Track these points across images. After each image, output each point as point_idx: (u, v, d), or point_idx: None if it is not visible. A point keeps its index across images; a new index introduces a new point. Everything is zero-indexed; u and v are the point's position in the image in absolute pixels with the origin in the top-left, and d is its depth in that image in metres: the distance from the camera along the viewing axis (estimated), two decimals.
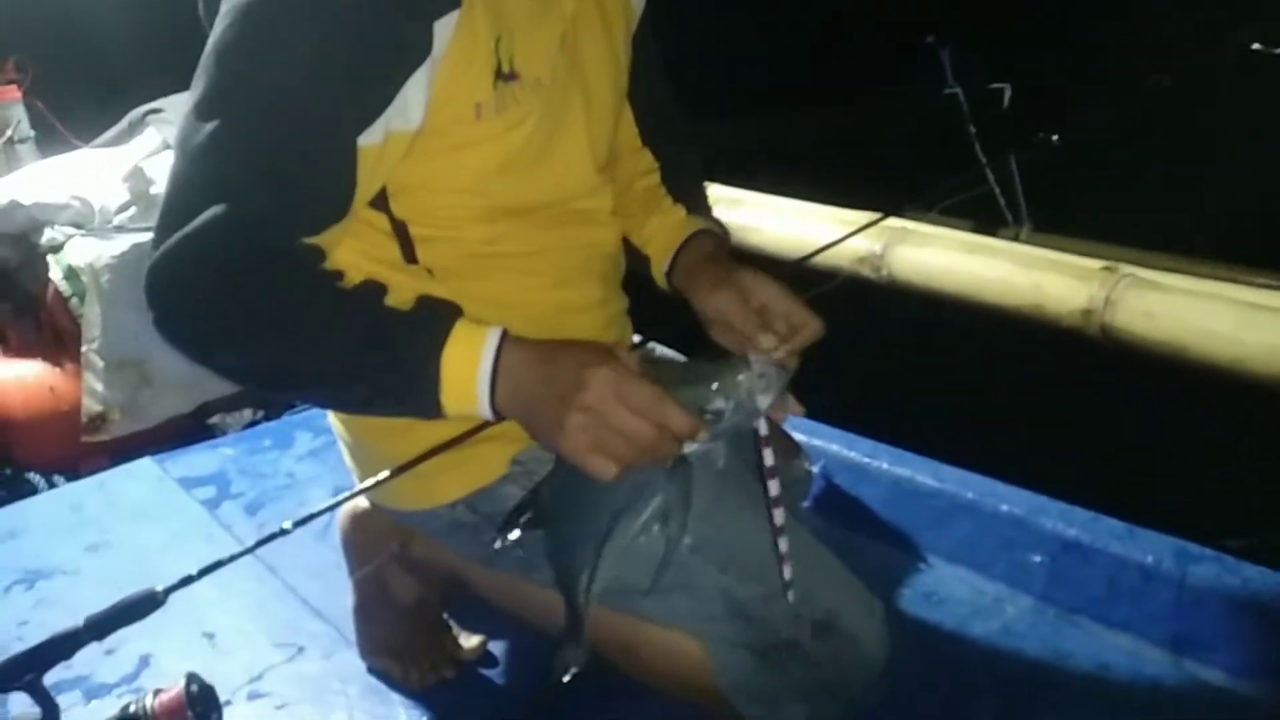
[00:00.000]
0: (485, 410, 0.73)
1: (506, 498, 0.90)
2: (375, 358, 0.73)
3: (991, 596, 1.36)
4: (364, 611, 1.22)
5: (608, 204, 1.00)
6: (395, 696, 1.19)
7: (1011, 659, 1.26)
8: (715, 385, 0.73)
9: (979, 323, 1.48)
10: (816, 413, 1.51)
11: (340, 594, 1.26)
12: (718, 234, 1.01)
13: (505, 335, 0.73)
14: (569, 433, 0.69)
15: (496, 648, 1.25)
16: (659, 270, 1.01)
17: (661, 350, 1.07)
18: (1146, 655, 1.23)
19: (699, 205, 1.05)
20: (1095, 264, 1.37)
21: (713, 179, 2.08)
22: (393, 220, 0.87)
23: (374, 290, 0.75)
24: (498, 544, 0.77)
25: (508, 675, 1.23)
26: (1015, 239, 2.54)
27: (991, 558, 1.38)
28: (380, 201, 0.85)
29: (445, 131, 0.81)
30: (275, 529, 0.74)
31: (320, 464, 1.75)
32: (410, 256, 0.89)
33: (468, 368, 0.72)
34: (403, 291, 0.75)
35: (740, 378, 0.74)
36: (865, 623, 0.91)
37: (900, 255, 1.62)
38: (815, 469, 1.52)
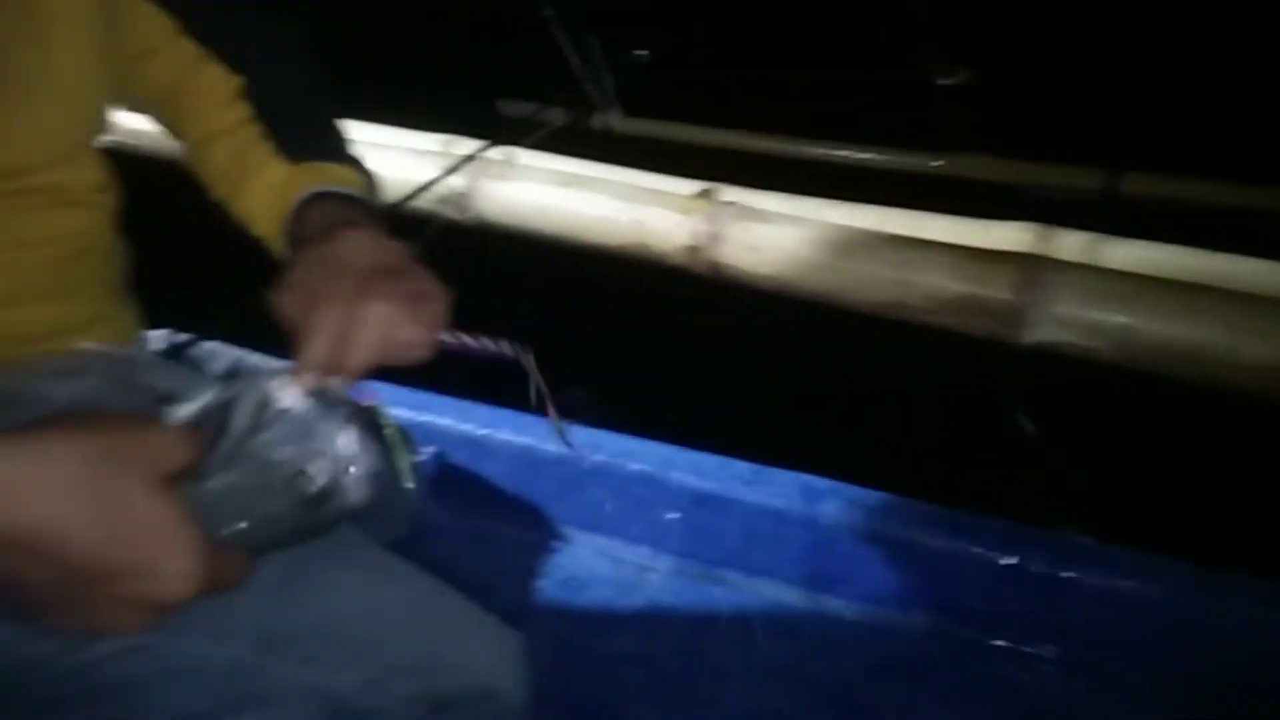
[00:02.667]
0: None
1: None
2: None
3: (633, 566, 1.27)
4: None
5: (92, 175, 0.71)
6: None
7: (658, 631, 1.19)
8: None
9: (584, 262, 1.33)
10: (427, 383, 1.30)
11: None
12: (341, 191, 0.70)
13: None
14: None
15: None
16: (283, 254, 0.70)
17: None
18: (786, 598, 1.21)
19: (314, 138, 0.74)
20: (693, 188, 1.25)
21: None
22: None
23: None
24: None
25: None
26: (606, 128, 2.42)
27: (627, 521, 1.28)
28: None
29: None
30: None
31: None
32: None
33: None
34: None
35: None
36: (499, 670, 0.75)
37: (488, 192, 1.40)
38: (426, 454, 1.32)
